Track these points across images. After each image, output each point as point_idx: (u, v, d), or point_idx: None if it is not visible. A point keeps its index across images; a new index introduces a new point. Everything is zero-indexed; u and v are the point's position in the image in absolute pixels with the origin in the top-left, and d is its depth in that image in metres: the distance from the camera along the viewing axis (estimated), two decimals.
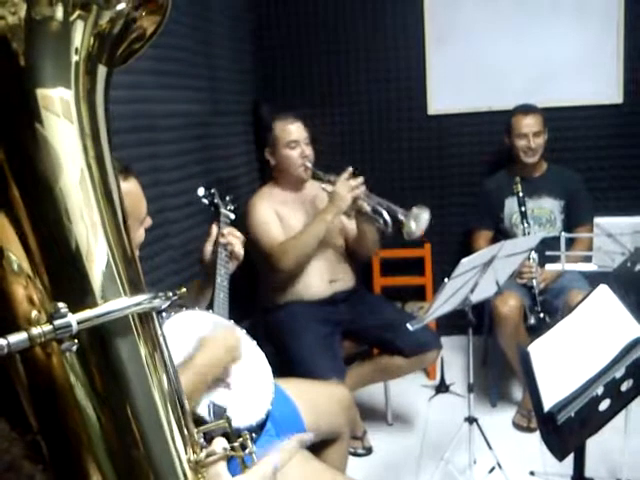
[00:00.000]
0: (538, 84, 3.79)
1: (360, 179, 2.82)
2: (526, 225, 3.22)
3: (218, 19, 3.35)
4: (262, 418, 1.73)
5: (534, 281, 3.10)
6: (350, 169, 2.84)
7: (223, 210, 2.34)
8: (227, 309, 2.08)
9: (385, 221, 2.81)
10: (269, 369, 1.91)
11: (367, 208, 2.85)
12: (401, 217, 2.77)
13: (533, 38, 3.78)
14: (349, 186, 2.78)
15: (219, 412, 1.64)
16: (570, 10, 3.74)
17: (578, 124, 3.85)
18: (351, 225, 3.01)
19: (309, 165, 2.97)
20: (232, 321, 1.96)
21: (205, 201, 2.37)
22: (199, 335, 1.72)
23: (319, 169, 2.99)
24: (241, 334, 1.90)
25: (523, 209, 3.24)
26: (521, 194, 3.23)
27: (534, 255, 3.06)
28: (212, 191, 2.38)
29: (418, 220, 2.79)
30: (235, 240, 2.16)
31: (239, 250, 2.17)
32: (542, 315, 3.01)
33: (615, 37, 3.72)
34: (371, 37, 3.94)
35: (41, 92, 0.59)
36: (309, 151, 2.99)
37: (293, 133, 2.98)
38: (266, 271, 2.96)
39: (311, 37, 3.98)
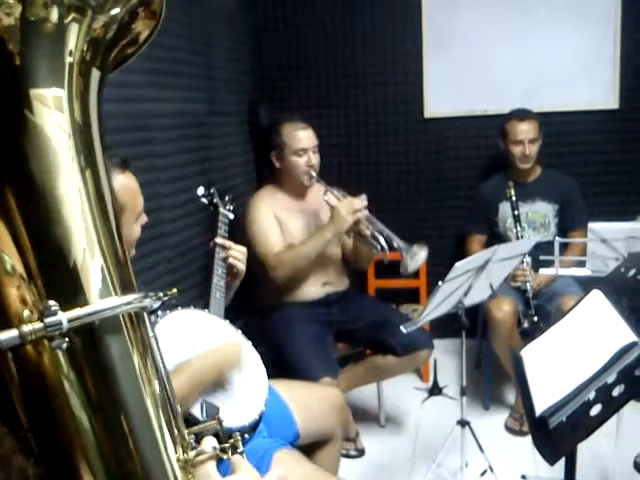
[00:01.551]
0: (534, 88, 3.80)
1: (364, 202, 2.77)
2: (519, 229, 3.24)
3: (215, 19, 3.35)
4: (255, 419, 1.73)
5: (528, 285, 3.10)
6: (363, 196, 2.79)
7: (222, 210, 2.34)
8: (223, 309, 2.09)
9: (382, 248, 2.79)
10: (264, 370, 1.91)
11: (367, 232, 2.81)
12: (399, 250, 2.74)
13: (530, 42, 3.80)
14: (352, 208, 2.74)
15: (212, 412, 1.64)
16: (567, 16, 3.75)
17: (574, 129, 3.86)
18: (348, 240, 3.01)
19: (314, 174, 2.92)
20: (228, 320, 1.97)
21: (204, 200, 2.37)
22: (203, 343, 1.72)
23: (322, 180, 2.93)
24: (243, 342, 1.90)
25: (516, 213, 3.25)
26: (514, 198, 3.24)
27: (528, 259, 3.07)
28: (212, 190, 2.38)
29: (415, 258, 2.76)
30: (238, 254, 2.16)
31: (241, 267, 2.17)
32: (536, 319, 3.01)
33: (612, 43, 3.74)
34: (369, 39, 3.95)
35: (35, 92, 0.60)
36: (316, 160, 2.95)
37: (303, 141, 2.93)
38: (261, 274, 2.95)
39: (309, 38, 3.98)
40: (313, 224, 3.00)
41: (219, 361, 1.72)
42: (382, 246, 2.78)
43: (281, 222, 2.95)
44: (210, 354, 1.69)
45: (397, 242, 2.76)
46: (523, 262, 3.06)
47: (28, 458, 0.62)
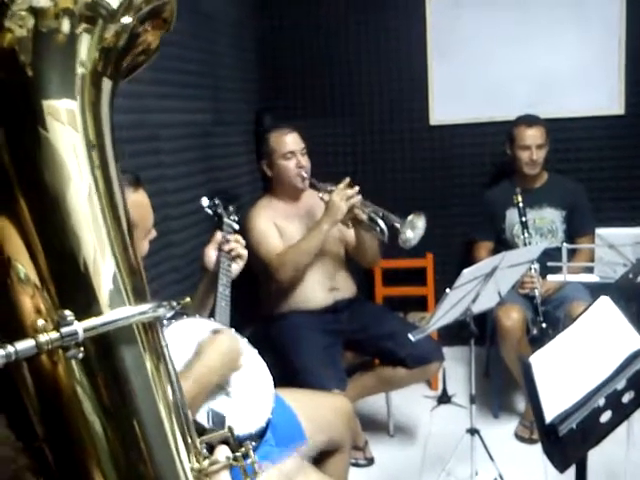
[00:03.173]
0: (540, 95, 3.80)
1: (356, 188, 2.81)
2: (527, 235, 3.23)
3: (221, 28, 3.37)
4: (262, 427, 1.73)
5: (536, 292, 3.10)
6: (347, 179, 2.84)
7: (226, 220, 2.34)
8: (228, 317, 2.09)
9: (382, 229, 2.81)
10: (270, 378, 1.91)
11: (363, 216, 2.85)
12: (397, 225, 2.77)
13: (535, 49, 3.80)
14: (345, 195, 2.78)
15: (218, 420, 1.64)
16: (571, 22, 3.76)
17: (580, 135, 3.87)
18: (350, 234, 3.02)
19: (305, 175, 2.96)
20: (233, 329, 1.97)
21: (209, 211, 2.38)
22: (197, 340, 1.73)
23: (315, 179, 2.98)
24: (241, 340, 1.91)
25: (524, 219, 3.24)
26: (521, 205, 3.24)
27: (536, 266, 3.07)
28: (216, 201, 2.39)
29: (414, 227, 2.78)
30: (238, 244, 2.17)
31: (243, 251, 2.18)
32: (544, 326, 3.01)
33: (617, 49, 3.74)
34: (374, 47, 3.96)
35: (47, 103, 0.60)
36: (305, 161, 2.99)
37: (289, 144, 2.97)
38: (267, 280, 2.96)
39: (314, 48, 4.00)
40: (311, 225, 3.01)
41: (218, 360, 1.71)
42: (381, 227, 2.80)
43: (280, 229, 2.98)
44: (207, 353, 1.69)
45: (394, 218, 2.79)
46: (531, 269, 3.06)
47: (37, 477, 0.62)
